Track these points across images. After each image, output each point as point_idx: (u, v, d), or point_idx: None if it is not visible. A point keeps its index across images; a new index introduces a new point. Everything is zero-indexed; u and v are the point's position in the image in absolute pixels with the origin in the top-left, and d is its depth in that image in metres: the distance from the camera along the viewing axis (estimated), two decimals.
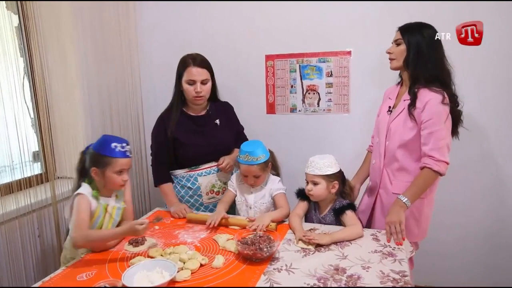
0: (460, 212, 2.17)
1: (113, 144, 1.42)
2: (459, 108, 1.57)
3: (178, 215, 1.75)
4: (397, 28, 1.62)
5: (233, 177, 1.83)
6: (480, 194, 2.14)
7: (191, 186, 1.86)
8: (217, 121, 1.92)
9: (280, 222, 1.64)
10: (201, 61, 1.80)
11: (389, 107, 1.68)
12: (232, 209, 1.83)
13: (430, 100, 1.49)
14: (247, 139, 2.04)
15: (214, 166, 1.88)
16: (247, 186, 1.76)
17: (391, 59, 1.63)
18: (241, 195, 1.78)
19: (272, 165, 1.78)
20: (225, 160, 1.84)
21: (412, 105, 1.53)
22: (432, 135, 1.49)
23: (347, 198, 1.62)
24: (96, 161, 1.43)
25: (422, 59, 1.53)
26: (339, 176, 1.58)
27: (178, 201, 1.84)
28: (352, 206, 1.55)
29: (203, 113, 1.91)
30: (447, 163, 1.50)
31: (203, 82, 1.79)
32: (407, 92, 1.59)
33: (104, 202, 1.48)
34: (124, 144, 1.45)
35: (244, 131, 2.10)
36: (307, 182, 1.59)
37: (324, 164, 1.54)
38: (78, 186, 1.48)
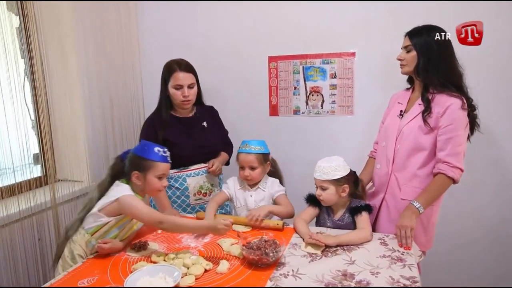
0: (467, 215, 2.14)
1: (156, 149, 1.44)
2: (475, 112, 1.53)
3: None
4: (405, 34, 1.58)
5: (230, 181, 1.82)
6: (486, 197, 2.11)
7: (179, 187, 1.87)
8: (205, 123, 1.95)
9: (283, 223, 1.61)
10: (186, 66, 1.84)
11: (401, 111, 1.63)
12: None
13: (452, 105, 1.46)
14: (231, 143, 2.07)
15: (203, 167, 1.90)
16: (247, 189, 1.76)
17: (402, 65, 1.59)
18: (240, 200, 1.77)
19: (272, 171, 1.80)
20: (215, 163, 1.87)
21: (426, 111, 1.50)
22: (450, 140, 1.46)
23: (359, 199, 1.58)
24: (139, 164, 1.43)
25: (433, 65, 1.50)
26: (350, 178, 1.54)
27: (170, 207, 1.83)
28: (368, 208, 1.51)
29: (190, 115, 1.93)
30: (462, 170, 1.47)
31: (190, 86, 1.82)
32: (420, 99, 1.55)
33: None
34: (165, 149, 1.48)
35: (246, 133, 2.09)
36: (317, 187, 1.55)
37: (331, 169, 1.49)
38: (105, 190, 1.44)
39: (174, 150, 1.82)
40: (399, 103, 1.69)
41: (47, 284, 1.21)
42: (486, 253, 2.16)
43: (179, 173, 1.88)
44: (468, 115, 1.49)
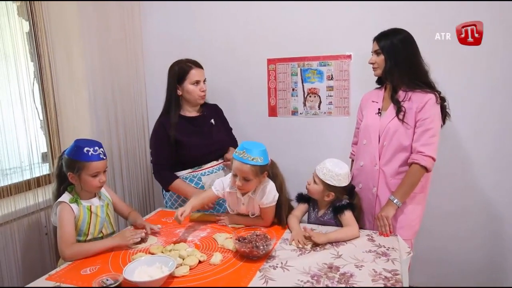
0: (456, 215, 2.18)
1: (85, 149, 1.47)
2: (445, 103, 1.65)
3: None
4: (373, 39, 1.70)
5: (218, 183, 1.68)
6: (478, 196, 2.14)
7: (194, 186, 1.91)
8: (212, 121, 2.01)
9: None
10: (198, 63, 1.96)
11: (379, 109, 1.72)
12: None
13: (430, 100, 1.57)
14: (236, 139, 2.12)
15: (216, 165, 1.96)
16: (238, 197, 1.63)
17: (374, 68, 1.71)
18: (230, 204, 1.69)
19: (272, 175, 1.64)
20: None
21: (399, 112, 1.60)
22: (426, 132, 1.56)
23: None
24: (71, 166, 1.49)
25: (400, 66, 1.61)
26: (342, 190, 1.59)
27: (196, 190, 1.86)
28: (351, 206, 1.57)
29: (198, 114, 2.00)
30: (434, 159, 1.57)
31: (204, 82, 1.95)
32: (390, 99, 1.66)
33: (87, 203, 1.54)
34: (96, 148, 1.50)
35: (246, 134, 2.16)
36: (313, 177, 1.63)
37: (336, 178, 1.55)
38: (59, 192, 1.54)
39: (187, 151, 1.89)
40: (373, 101, 1.77)
41: (52, 272, 1.30)
42: (477, 252, 2.19)
43: (194, 173, 1.93)
44: (441, 108, 1.61)
